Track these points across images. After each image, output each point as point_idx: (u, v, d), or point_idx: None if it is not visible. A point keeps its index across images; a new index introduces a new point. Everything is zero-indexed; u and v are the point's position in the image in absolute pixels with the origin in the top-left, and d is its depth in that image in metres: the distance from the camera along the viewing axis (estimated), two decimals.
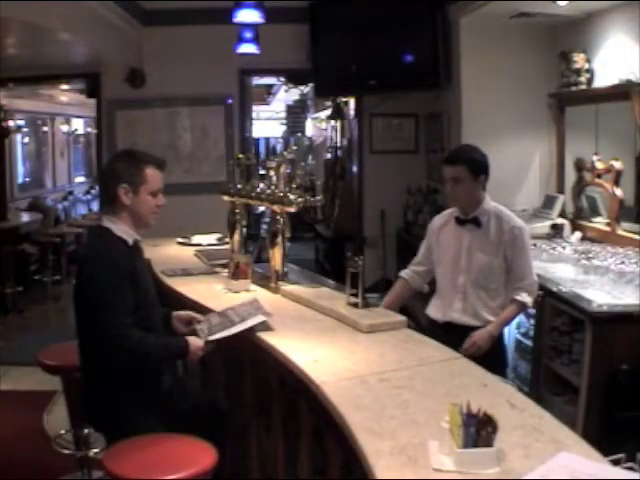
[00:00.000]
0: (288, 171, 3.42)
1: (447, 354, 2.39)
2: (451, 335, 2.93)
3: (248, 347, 2.75)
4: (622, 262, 3.73)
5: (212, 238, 4.67)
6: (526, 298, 3.09)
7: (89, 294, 2.44)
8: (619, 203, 4.27)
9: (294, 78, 7.54)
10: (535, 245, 4.21)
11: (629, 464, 2.27)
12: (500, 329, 3.13)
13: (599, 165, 4.47)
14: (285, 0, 6.02)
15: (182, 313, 2.79)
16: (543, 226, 4.78)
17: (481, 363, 2.30)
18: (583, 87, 4.67)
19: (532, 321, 4.09)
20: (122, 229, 2.55)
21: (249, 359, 2.88)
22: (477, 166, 3.09)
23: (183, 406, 2.67)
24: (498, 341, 3.14)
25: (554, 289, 3.58)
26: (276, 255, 3.34)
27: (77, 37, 5.06)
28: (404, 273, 3.42)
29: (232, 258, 3.44)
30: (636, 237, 4.04)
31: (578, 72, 4.67)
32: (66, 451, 3.56)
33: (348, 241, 7.08)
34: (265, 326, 2.67)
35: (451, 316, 3.17)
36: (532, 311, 3.99)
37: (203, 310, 2.95)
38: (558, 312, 3.62)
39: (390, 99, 6.36)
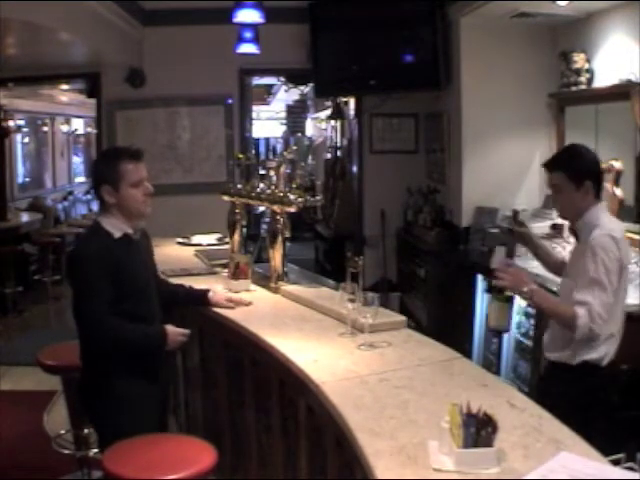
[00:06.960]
0: (288, 171, 3.42)
1: (447, 354, 2.39)
2: None
3: (248, 347, 2.76)
4: None
5: (212, 238, 4.66)
6: (581, 314, 2.48)
7: (71, 287, 2.58)
8: (619, 203, 4.26)
9: (294, 78, 7.53)
10: None
11: (629, 464, 2.27)
12: (539, 301, 2.68)
13: None
14: (285, 0, 6.03)
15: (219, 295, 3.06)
16: (543, 226, 4.76)
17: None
18: (583, 87, 4.66)
19: (532, 321, 4.09)
20: (111, 223, 2.59)
21: (249, 359, 2.87)
22: (578, 172, 2.61)
23: None
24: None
25: (554, 288, 3.57)
26: (276, 255, 3.34)
27: (77, 37, 5.06)
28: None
29: (232, 258, 3.44)
30: (636, 237, 4.03)
31: (578, 72, 4.67)
32: (66, 451, 3.58)
33: (348, 241, 7.07)
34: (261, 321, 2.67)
35: None
36: (532, 311, 4.00)
37: (202, 310, 2.96)
38: None
39: (390, 99, 6.35)
